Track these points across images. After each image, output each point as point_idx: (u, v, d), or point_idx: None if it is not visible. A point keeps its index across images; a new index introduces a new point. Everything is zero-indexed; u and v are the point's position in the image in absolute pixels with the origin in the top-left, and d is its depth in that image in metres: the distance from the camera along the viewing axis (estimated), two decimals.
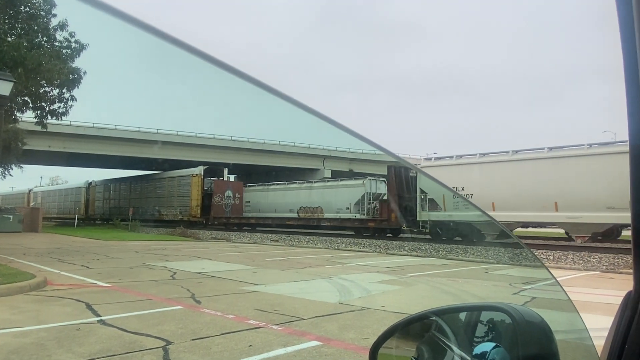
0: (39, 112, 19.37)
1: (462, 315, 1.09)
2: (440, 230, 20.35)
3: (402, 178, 22.58)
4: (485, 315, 1.01)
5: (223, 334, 5.10)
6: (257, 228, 30.49)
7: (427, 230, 20.65)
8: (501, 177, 18.23)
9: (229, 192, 33.67)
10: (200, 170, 34.35)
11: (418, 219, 20.77)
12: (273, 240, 22.66)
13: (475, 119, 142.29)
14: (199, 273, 10.32)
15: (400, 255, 16.51)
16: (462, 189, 18.89)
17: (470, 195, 18.53)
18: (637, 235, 0.71)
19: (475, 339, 1.00)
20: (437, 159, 21.89)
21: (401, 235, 23.49)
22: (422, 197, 20.77)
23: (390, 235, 23.25)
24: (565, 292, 0.93)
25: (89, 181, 48.40)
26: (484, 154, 19.71)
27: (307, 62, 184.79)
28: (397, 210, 22.09)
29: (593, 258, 13.92)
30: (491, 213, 16.90)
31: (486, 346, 0.93)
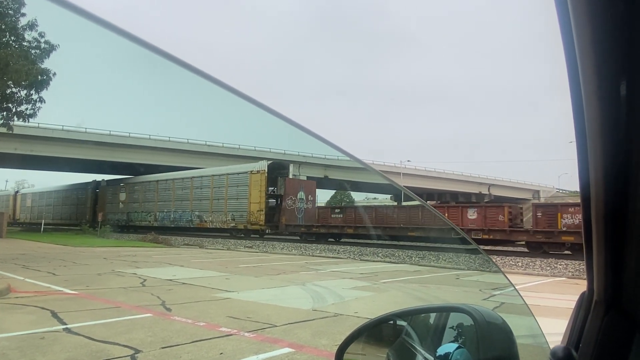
0: (5, 113, 18.81)
1: (430, 319, 1.11)
2: None
3: None
4: (450, 318, 1.03)
5: (194, 341, 5.02)
6: (342, 239, 24.51)
7: None
8: None
9: (301, 194, 27.64)
10: (263, 166, 27.71)
11: None
12: (247, 247, 22.47)
13: (456, 128, 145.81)
14: (170, 280, 10.13)
15: (374, 261, 16.62)
16: None
17: None
18: (587, 243, 0.75)
19: (441, 341, 1.02)
20: None
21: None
22: None
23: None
24: (521, 296, 0.96)
25: (98, 180, 41.20)
26: None
27: (298, 68, 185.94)
28: None
29: (560, 265, 14.35)
30: None
31: (449, 347, 0.95)
